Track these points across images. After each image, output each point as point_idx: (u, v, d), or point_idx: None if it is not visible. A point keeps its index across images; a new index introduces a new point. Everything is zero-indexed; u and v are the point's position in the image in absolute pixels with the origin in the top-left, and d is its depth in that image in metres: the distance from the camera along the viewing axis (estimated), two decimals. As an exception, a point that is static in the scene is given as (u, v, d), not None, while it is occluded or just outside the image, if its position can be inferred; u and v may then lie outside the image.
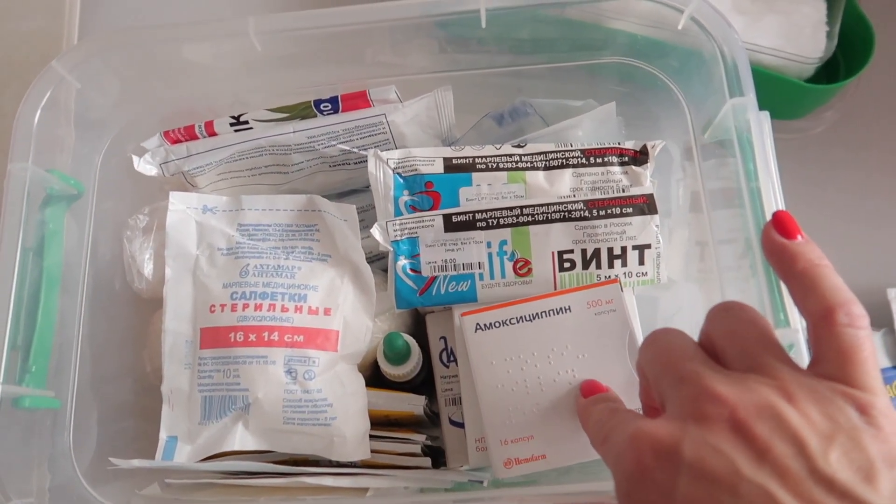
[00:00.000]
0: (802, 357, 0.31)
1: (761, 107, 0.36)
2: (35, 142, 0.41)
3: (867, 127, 0.55)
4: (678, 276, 0.44)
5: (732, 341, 0.27)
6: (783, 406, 0.23)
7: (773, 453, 0.23)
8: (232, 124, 0.44)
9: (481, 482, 0.39)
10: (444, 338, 0.42)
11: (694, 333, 0.28)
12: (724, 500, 0.23)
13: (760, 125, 0.35)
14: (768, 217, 0.30)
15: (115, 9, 0.61)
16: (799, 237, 0.28)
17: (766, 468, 0.23)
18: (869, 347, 0.25)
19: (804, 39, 0.50)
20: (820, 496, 0.22)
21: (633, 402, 0.33)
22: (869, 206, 0.54)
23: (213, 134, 0.44)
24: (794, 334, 0.32)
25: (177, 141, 0.44)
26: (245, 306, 0.41)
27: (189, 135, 0.44)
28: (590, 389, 0.35)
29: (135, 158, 0.44)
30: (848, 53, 0.53)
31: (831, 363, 0.25)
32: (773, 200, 0.34)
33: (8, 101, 0.56)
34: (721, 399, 0.24)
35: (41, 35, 0.60)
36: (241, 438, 0.39)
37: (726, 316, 0.28)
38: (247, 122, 0.44)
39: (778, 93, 0.50)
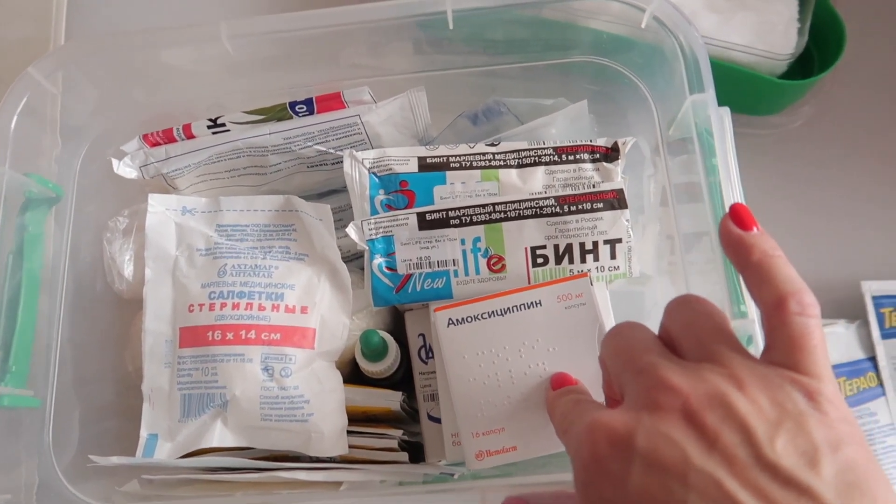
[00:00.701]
0: (759, 347, 0.32)
1: (737, 103, 0.37)
2: (12, 146, 0.41)
3: (843, 120, 0.55)
4: (651, 270, 0.44)
5: (688, 333, 0.27)
6: (733, 394, 0.24)
7: (721, 441, 0.23)
8: (209, 127, 0.45)
9: (452, 475, 0.40)
10: (422, 335, 0.43)
11: None
12: (674, 489, 0.23)
13: (721, 121, 0.36)
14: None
15: (101, 16, 0.61)
16: (755, 229, 0.28)
17: (714, 456, 0.23)
18: (819, 335, 0.25)
19: (776, 36, 0.50)
20: (765, 483, 0.22)
21: (601, 394, 0.34)
22: (846, 200, 0.54)
23: (191, 136, 0.45)
24: (751, 325, 0.32)
25: (156, 144, 0.45)
26: (223, 305, 0.41)
27: (167, 138, 0.45)
28: (559, 382, 0.35)
29: (114, 162, 0.44)
30: (821, 48, 0.53)
31: (782, 351, 0.25)
32: (732, 194, 0.34)
33: (-7, 107, 0.57)
34: (674, 389, 0.24)
35: (28, 42, 0.60)
36: (220, 435, 0.40)
37: (683, 309, 0.28)
38: (224, 125, 0.45)
39: (752, 89, 0.51)
